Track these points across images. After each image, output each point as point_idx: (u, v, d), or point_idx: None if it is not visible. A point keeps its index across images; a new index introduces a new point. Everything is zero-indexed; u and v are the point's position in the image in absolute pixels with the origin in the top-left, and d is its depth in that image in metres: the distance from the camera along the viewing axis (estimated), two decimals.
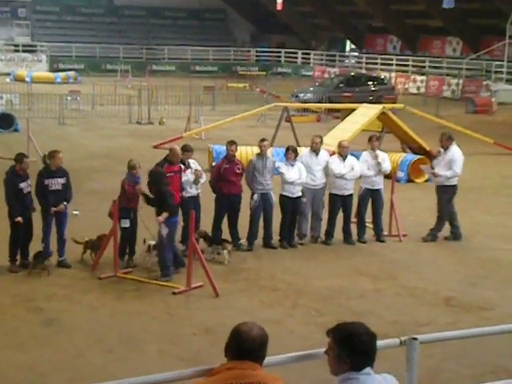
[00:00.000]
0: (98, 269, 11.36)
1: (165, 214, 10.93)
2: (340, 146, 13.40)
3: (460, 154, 13.46)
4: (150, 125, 28.21)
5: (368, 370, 4.08)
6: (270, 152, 14.96)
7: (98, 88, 33.24)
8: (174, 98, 32.06)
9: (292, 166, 12.88)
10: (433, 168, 13.68)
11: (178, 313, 9.96)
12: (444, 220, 13.54)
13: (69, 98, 31.61)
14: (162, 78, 42.44)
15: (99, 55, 52.37)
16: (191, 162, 12.47)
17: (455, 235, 13.59)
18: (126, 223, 11.57)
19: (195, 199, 12.33)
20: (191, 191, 12.24)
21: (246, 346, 4.12)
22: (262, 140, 13.15)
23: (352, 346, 4.05)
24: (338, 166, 13.12)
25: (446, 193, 13.47)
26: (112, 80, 38.15)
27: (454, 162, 13.32)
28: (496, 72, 40.86)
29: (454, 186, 13.52)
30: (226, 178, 12.57)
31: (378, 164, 13.33)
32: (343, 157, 13.22)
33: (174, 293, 10.55)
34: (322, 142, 13.47)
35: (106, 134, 25.60)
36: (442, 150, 13.45)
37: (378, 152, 13.59)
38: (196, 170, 12.32)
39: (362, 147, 14.21)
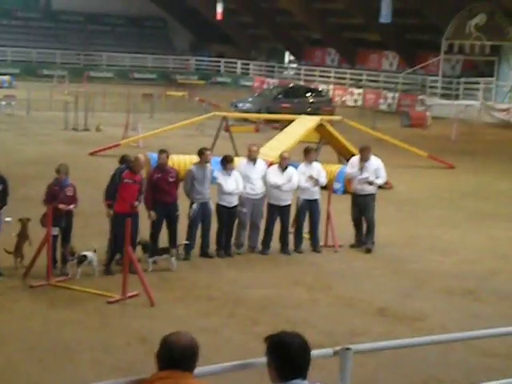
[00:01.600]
0: (29, 277, 11.15)
1: None
2: (281, 157, 13.49)
3: (381, 162, 13.98)
4: (87, 131, 27.87)
5: (298, 381, 4.09)
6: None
7: (34, 93, 32.71)
8: (111, 105, 31.79)
9: (229, 175, 12.89)
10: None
11: (112, 322, 9.84)
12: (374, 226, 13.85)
13: (3, 102, 31.02)
14: (99, 84, 42.01)
15: (35, 60, 51.56)
16: None
17: (360, 243, 13.85)
18: (54, 231, 11.38)
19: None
20: None
21: (175, 356, 4.13)
22: (205, 149, 13.13)
23: (280, 355, 4.09)
24: (274, 176, 13.18)
25: (373, 200, 13.88)
26: (48, 85, 37.61)
27: (380, 169, 13.85)
28: (431, 87, 41.65)
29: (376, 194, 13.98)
30: (158, 187, 12.44)
31: (316, 181, 13.40)
32: (283, 168, 13.29)
33: (108, 302, 10.43)
34: (258, 150, 13.57)
35: (41, 140, 25.18)
36: (361, 162, 13.74)
37: (313, 164, 13.71)
38: None
39: (300, 158, 14.29)
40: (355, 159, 14.08)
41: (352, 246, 13.84)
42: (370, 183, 13.74)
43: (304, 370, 4.11)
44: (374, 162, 13.86)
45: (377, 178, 13.76)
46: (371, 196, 13.83)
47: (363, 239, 13.84)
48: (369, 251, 13.64)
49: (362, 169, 13.75)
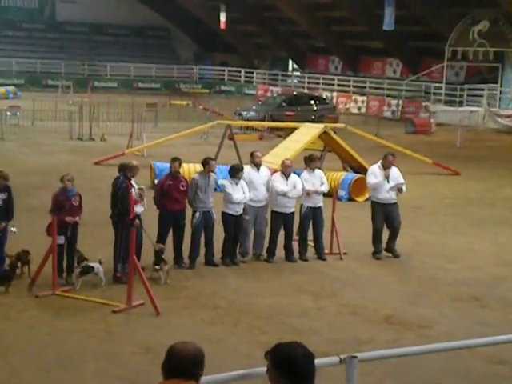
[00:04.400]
0: (35, 286, 11.15)
1: None
2: (283, 164, 13.49)
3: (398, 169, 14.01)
4: (92, 141, 27.93)
5: None
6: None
7: (39, 103, 32.80)
8: (116, 114, 31.83)
9: (237, 184, 12.88)
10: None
11: (117, 331, 9.83)
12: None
13: (8, 113, 31.05)
14: (104, 94, 42.12)
15: (40, 70, 51.71)
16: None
17: (381, 251, 13.85)
18: (60, 240, 11.39)
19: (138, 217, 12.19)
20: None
21: (181, 365, 4.13)
22: (210, 159, 13.16)
23: (288, 368, 4.07)
24: (280, 183, 13.18)
25: (398, 208, 13.87)
26: (53, 96, 37.70)
27: (400, 177, 13.75)
28: (435, 93, 41.62)
29: None
30: (169, 194, 12.52)
31: (315, 192, 13.40)
32: (286, 175, 13.30)
33: (114, 311, 10.42)
34: (261, 156, 13.66)
35: (45, 150, 25.24)
36: (387, 170, 13.62)
37: (316, 171, 13.69)
38: (140, 188, 12.22)
39: (303, 165, 14.28)
40: (376, 168, 13.78)
41: (378, 258, 13.67)
42: (400, 190, 13.67)
43: (312, 378, 4.11)
44: (395, 169, 13.79)
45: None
46: (397, 204, 13.80)
47: (389, 246, 13.79)
48: (398, 256, 13.71)
49: (387, 177, 13.60)
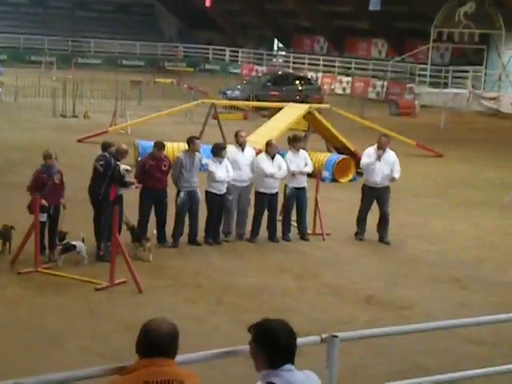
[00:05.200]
0: (17, 263, 11.11)
1: None
2: (269, 144, 13.43)
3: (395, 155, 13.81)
4: (75, 118, 27.76)
5: (288, 366, 4.10)
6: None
7: (22, 79, 32.52)
8: (99, 91, 31.63)
9: (220, 163, 12.85)
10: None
11: (99, 309, 9.84)
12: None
13: None
14: (88, 71, 41.79)
15: (23, 46, 51.26)
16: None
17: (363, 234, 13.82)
18: (42, 217, 11.34)
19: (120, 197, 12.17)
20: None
21: (157, 343, 4.11)
22: (195, 137, 13.11)
23: (269, 343, 4.08)
24: (267, 165, 13.14)
25: (389, 192, 13.71)
26: (36, 72, 37.38)
27: (396, 163, 13.58)
28: (420, 75, 41.67)
29: None
30: (151, 174, 12.48)
31: (301, 172, 13.40)
32: (271, 156, 13.27)
33: (96, 289, 10.42)
34: (245, 136, 13.60)
35: (28, 127, 25.06)
36: (380, 151, 13.49)
37: (300, 152, 13.68)
38: (126, 169, 12.19)
39: (287, 146, 14.27)
40: (371, 150, 13.66)
41: (360, 239, 13.65)
42: (393, 179, 13.57)
43: (292, 355, 4.13)
44: (391, 154, 13.66)
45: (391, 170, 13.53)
46: (388, 188, 13.68)
47: (380, 235, 13.66)
48: (388, 243, 13.55)
49: (380, 157, 13.44)
